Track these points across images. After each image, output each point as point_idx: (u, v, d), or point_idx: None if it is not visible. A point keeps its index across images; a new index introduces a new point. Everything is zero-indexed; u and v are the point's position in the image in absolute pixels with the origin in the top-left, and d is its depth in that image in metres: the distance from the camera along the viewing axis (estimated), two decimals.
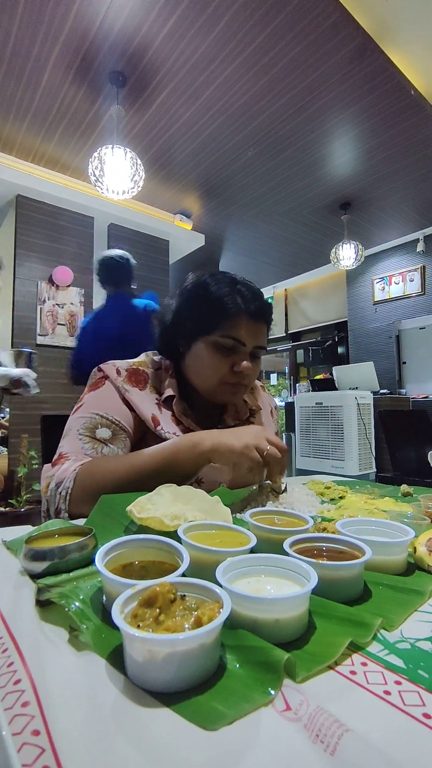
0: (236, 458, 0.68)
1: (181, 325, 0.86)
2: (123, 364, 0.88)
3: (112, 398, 0.83)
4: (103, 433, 0.79)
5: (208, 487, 0.74)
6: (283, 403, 4.95)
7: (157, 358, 0.94)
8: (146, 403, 0.84)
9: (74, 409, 0.83)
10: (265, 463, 0.69)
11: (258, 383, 1.10)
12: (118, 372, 0.85)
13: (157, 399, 0.86)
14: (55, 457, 0.76)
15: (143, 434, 0.84)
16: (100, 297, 4.37)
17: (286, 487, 0.71)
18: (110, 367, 0.86)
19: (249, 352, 0.83)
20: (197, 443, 0.69)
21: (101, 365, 0.87)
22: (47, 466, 0.75)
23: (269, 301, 0.86)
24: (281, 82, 2.66)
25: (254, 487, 0.72)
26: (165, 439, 0.80)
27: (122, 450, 0.80)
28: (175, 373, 0.90)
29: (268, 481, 0.72)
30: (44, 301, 3.64)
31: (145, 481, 0.65)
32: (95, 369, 0.88)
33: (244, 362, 0.81)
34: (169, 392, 0.86)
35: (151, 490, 0.57)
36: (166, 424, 0.83)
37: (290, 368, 6.81)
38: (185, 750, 0.22)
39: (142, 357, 0.94)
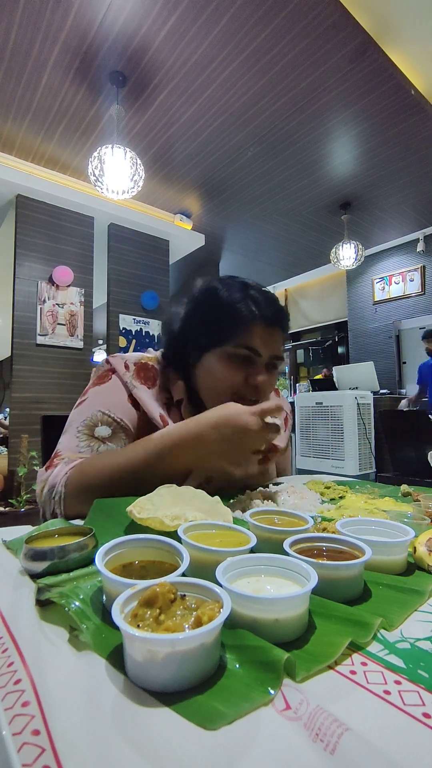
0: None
1: (191, 336, 0.80)
2: (132, 357, 0.83)
3: (118, 394, 0.79)
4: (103, 431, 0.76)
5: (219, 485, 0.72)
6: (289, 406, 4.94)
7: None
8: (154, 402, 0.80)
9: (78, 403, 0.79)
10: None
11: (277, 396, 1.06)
12: (127, 366, 0.81)
13: (166, 399, 0.82)
14: (52, 456, 0.75)
15: (149, 433, 0.82)
16: (100, 297, 4.38)
17: (276, 497, 0.69)
18: (119, 360, 0.82)
19: (265, 363, 0.77)
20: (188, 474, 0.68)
21: (108, 358, 0.83)
22: (41, 470, 0.73)
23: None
24: (281, 82, 2.66)
25: (241, 496, 0.72)
26: None
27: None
28: (184, 379, 0.84)
29: (261, 489, 0.72)
30: (44, 300, 3.64)
31: (130, 479, 0.64)
32: (103, 360, 0.84)
33: (260, 376, 0.75)
34: (178, 395, 0.82)
35: (139, 492, 0.56)
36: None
37: (290, 368, 6.81)
38: (185, 750, 0.22)
39: (152, 352, 0.89)
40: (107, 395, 0.79)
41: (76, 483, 0.67)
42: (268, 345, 0.76)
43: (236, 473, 0.67)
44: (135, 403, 0.79)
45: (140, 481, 0.63)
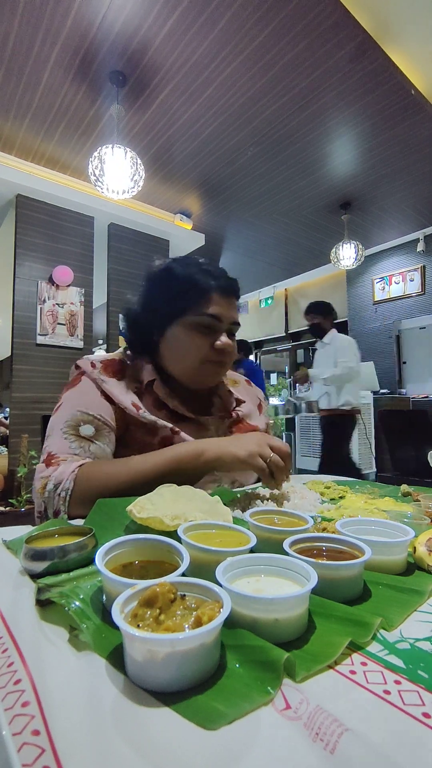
0: (240, 467, 0.68)
1: (152, 313, 0.85)
2: (98, 357, 0.86)
3: (91, 393, 0.81)
4: (87, 430, 0.77)
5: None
6: (283, 403, 4.94)
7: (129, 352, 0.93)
8: (124, 392, 0.82)
9: (55, 409, 0.81)
10: (270, 469, 0.68)
11: (243, 378, 1.10)
12: (93, 365, 0.83)
13: (136, 387, 0.84)
14: (44, 456, 0.75)
15: (127, 425, 0.82)
16: (100, 297, 4.38)
17: (287, 496, 0.71)
18: (85, 361, 0.85)
19: (225, 329, 0.83)
20: (201, 452, 0.69)
21: (78, 361, 0.86)
22: (41, 465, 0.74)
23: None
24: (281, 82, 2.66)
25: (239, 495, 0.72)
26: (149, 423, 0.79)
27: (108, 446, 0.79)
28: (152, 362, 0.88)
29: (265, 489, 0.72)
30: (44, 300, 3.64)
31: (145, 487, 0.65)
32: (72, 367, 0.86)
33: (224, 338, 0.81)
34: (149, 377, 0.84)
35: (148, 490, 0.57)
36: (149, 409, 0.82)
37: (290, 368, 6.81)
38: (185, 750, 0.22)
39: (116, 352, 0.92)
40: (81, 395, 0.81)
41: (84, 483, 0.67)
42: (227, 312, 0.82)
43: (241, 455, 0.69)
44: (108, 398, 0.81)
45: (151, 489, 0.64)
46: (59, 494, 0.68)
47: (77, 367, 0.85)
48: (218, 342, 0.81)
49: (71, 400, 0.81)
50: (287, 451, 0.70)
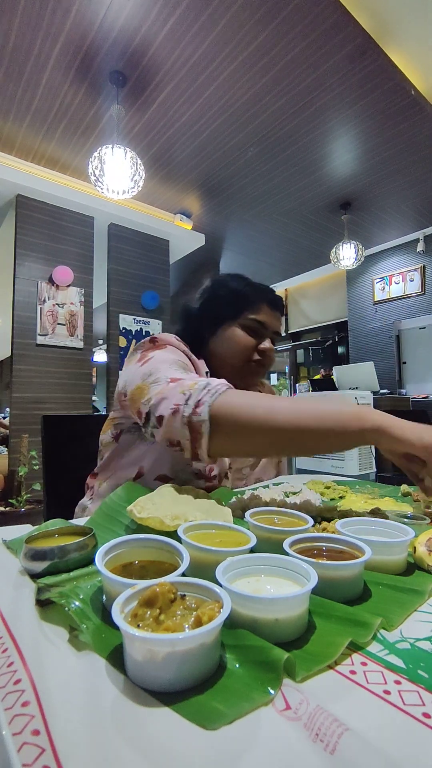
0: (401, 449, 0.56)
1: (208, 315, 0.94)
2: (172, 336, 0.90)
3: (182, 356, 0.83)
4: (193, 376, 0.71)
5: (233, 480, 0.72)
6: None
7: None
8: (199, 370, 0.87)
9: (142, 361, 0.76)
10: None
11: (267, 383, 1.15)
12: (178, 341, 0.87)
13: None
14: (166, 379, 0.67)
15: None
16: (100, 297, 4.38)
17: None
18: (169, 336, 0.87)
19: (269, 336, 0.93)
20: (361, 417, 0.58)
21: (156, 335, 0.86)
22: (166, 382, 0.67)
23: None
24: (281, 82, 2.66)
25: (239, 495, 0.71)
26: None
27: None
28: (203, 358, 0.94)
29: (265, 491, 0.71)
30: (44, 300, 3.64)
31: (297, 440, 0.59)
32: (147, 340, 0.85)
33: (267, 343, 0.91)
34: (204, 369, 0.90)
35: (296, 452, 0.55)
36: None
37: (290, 368, 6.81)
38: (185, 750, 0.22)
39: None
40: (174, 354, 0.80)
41: (236, 400, 0.60)
42: (272, 322, 0.93)
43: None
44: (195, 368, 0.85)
45: (304, 440, 0.60)
46: (208, 390, 0.61)
47: (156, 339, 0.84)
48: (262, 345, 0.91)
49: (165, 354, 0.78)
50: None
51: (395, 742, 0.23)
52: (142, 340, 0.86)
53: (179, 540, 0.42)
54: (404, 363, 5.02)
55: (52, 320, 3.67)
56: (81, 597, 0.36)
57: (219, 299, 0.94)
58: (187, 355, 0.86)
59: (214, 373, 0.93)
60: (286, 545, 0.41)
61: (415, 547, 0.47)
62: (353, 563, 0.38)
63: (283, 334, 6.68)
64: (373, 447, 3.98)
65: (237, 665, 0.28)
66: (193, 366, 0.87)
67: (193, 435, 0.60)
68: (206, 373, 0.90)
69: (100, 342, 7.65)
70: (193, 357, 0.89)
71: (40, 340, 3.60)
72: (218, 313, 0.93)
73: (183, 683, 0.26)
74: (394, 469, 2.98)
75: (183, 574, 0.35)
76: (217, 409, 0.59)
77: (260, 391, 1.02)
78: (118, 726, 0.23)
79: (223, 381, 0.64)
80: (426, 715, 0.25)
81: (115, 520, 0.55)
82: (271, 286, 0.98)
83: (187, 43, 2.39)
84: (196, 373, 0.86)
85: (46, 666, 0.28)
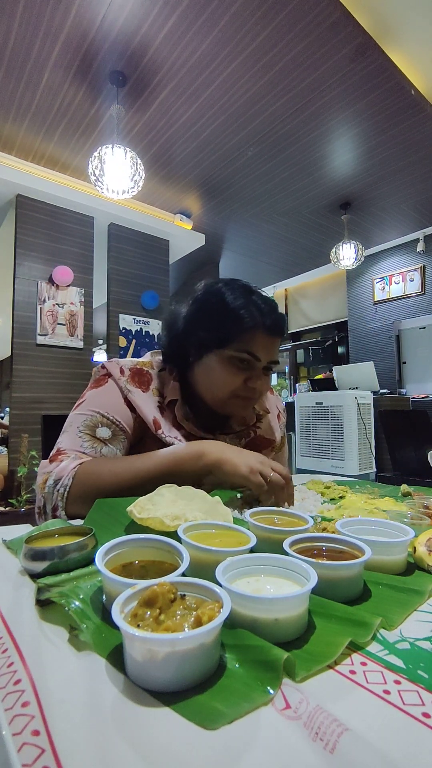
0: (238, 480, 0.66)
1: (193, 335, 0.82)
2: (127, 362, 0.86)
3: (114, 397, 0.81)
4: (103, 432, 0.78)
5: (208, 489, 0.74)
6: (283, 403, 4.94)
7: (158, 358, 0.92)
8: (148, 405, 0.82)
9: (75, 405, 0.82)
10: (269, 489, 0.66)
11: (267, 384, 1.11)
12: (122, 371, 0.84)
13: (159, 402, 0.85)
14: (53, 452, 0.75)
15: (142, 436, 0.83)
16: (100, 297, 4.38)
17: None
18: (114, 365, 0.85)
19: (263, 367, 0.81)
20: (202, 455, 0.68)
21: (104, 363, 0.86)
22: (44, 462, 0.74)
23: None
24: (281, 82, 2.66)
25: (239, 495, 0.72)
26: (165, 443, 0.79)
27: (120, 451, 0.79)
28: (180, 378, 0.88)
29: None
30: (44, 300, 3.64)
31: (145, 486, 0.64)
32: (99, 366, 0.87)
33: (259, 381, 0.80)
34: (172, 396, 0.85)
35: (144, 492, 0.57)
36: (168, 428, 0.82)
37: (290, 368, 6.81)
38: (185, 750, 0.22)
39: (147, 357, 0.92)
40: (104, 397, 0.81)
41: (84, 480, 0.67)
42: (268, 351, 0.80)
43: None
44: (130, 405, 0.82)
45: (150, 488, 0.63)
46: (58, 490, 0.67)
47: (104, 368, 0.85)
48: (251, 383, 0.80)
49: (94, 399, 0.81)
50: (288, 475, 0.68)
51: (395, 742, 0.23)
52: (96, 367, 0.88)
53: (179, 540, 0.42)
54: (404, 363, 5.02)
55: (52, 320, 3.67)
56: (81, 597, 0.36)
57: (207, 319, 0.80)
58: (123, 392, 0.81)
59: (195, 398, 0.86)
60: (286, 545, 0.41)
61: (415, 547, 0.47)
62: (353, 563, 0.38)
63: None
64: (373, 447, 3.99)
65: (237, 665, 0.28)
66: (160, 386, 0.86)
67: (55, 514, 0.69)
68: (171, 402, 0.84)
69: (100, 342, 7.64)
70: (163, 377, 0.87)
71: (40, 340, 3.60)
72: (203, 338, 0.80)
73: (183, 683, 0.26)
74: (394, 470, 2.98)
75: (183, 574, 0.35)
76: (72, 503, 0.67)
77: (255, 411, 0.98)
78: (118, 726, 0.23)
79: (69, 466, 0.69)
80: (426, 714, 0.25)
81: (115, 520, 0.55)
82: (271, 286, 0.95)
83: (187, 43, 2.39)
84: (162, 398, 0.85)
85: (46, 666, 0.28)
